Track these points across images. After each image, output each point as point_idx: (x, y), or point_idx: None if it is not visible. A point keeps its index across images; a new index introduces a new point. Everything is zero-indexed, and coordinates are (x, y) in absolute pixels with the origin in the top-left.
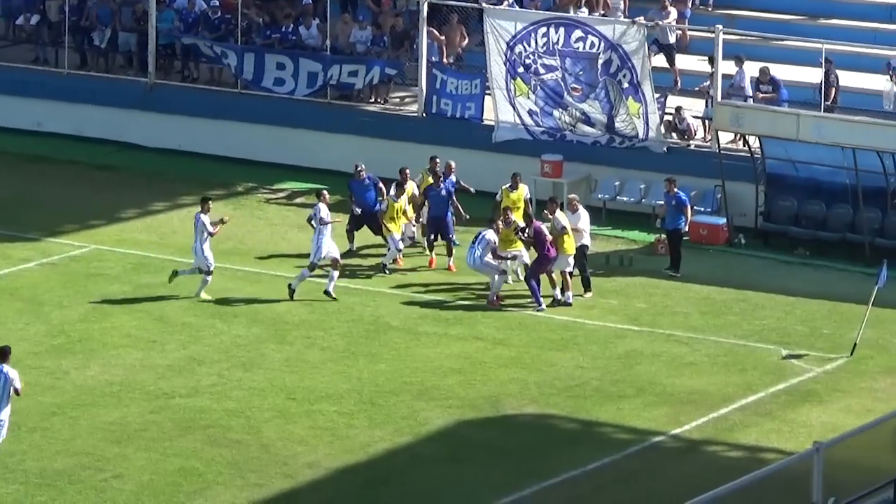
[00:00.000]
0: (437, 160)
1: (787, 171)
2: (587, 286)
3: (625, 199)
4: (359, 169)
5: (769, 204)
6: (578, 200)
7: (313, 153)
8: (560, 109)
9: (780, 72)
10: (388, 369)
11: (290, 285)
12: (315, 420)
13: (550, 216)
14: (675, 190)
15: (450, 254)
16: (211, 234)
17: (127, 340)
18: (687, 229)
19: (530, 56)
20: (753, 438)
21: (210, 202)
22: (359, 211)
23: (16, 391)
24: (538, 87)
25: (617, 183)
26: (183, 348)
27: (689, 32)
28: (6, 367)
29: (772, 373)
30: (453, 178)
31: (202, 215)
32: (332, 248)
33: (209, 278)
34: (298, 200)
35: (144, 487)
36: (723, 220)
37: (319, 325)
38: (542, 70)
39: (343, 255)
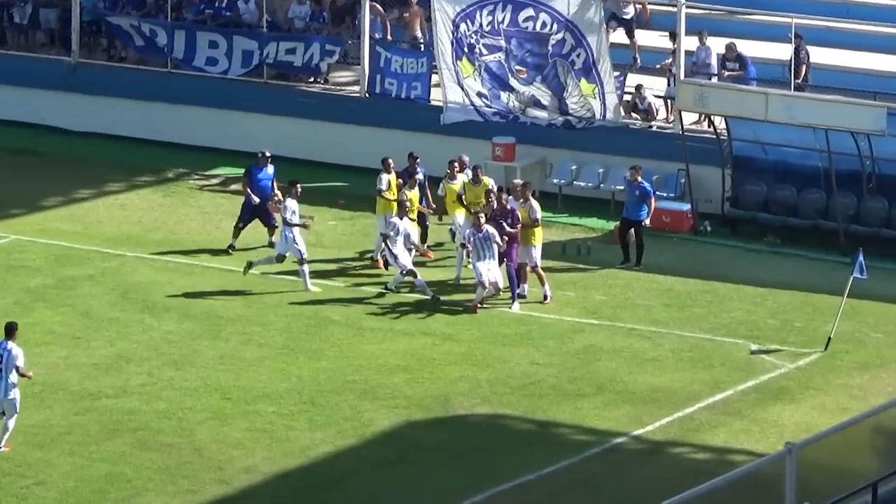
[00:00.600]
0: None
1: (756, 154)
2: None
3: (582, 184)
4: (266, 155)
5: (736, 189)
6: (530, 187)
7: (249, 136)
8: (507, 92)
9: (748, 48)
10: (330, 367)
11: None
12: (252, 421)
13: (524, 202)
14: (640, 179)
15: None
16: (296, 225)
17: (50, 337)
18: (648, 222)
19: (472, 36)
20: (721, 439)
21: (299, 186)
22: (257, 201)
23: (17, 370)
24: (482, 69)
25: (573, 167)
26: (110, 345)
27: (649, 6)
28: (11, 344)
29: (741, 369)
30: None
31: (291, 200)
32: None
33: (306, 268)
34: (233, 187)
35: (69, 495)
36: (687, 207)
37: (256, 319)
38: (484, 51)
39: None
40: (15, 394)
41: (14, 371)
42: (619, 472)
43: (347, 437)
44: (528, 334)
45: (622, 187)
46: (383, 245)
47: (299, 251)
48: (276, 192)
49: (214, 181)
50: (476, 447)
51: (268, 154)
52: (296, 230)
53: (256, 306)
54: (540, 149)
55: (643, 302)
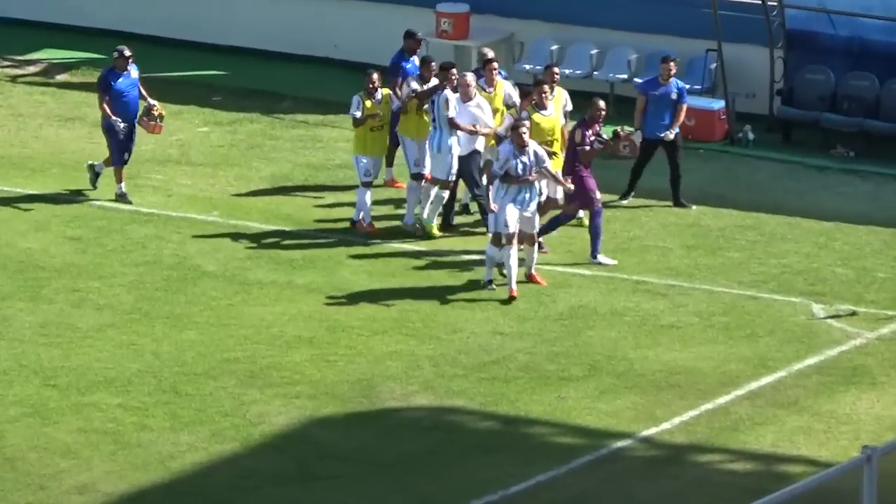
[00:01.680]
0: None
1: (819, 28)
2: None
3: (567, 71)
4: (124, 54)
5: (792, 78)
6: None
7: (81, 9)
8: None
9: None
10: (201, 339)
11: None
12: (88, 419)
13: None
14: (673, 77)
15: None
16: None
17: None
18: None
19: None
20: (770, 442)
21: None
22: (122, 125)
23: None
24: None
25: (554, 47)
26: None
27: None
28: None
29: (798, 341)
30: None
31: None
32: None
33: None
34: (61, 78)
35: None
36: (720, 104)
37: (94, 270)
38: None
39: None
40: None
41: None
42: (621, 491)
43: (226, 442)
44: (489, 291)
45: (625, 76)
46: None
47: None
48: (148, 99)
49: (32, 69)
50: (413, 455)
51: (127, 53)
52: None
53: (94, 251)
54: (505, 21)
55: (656, 242)
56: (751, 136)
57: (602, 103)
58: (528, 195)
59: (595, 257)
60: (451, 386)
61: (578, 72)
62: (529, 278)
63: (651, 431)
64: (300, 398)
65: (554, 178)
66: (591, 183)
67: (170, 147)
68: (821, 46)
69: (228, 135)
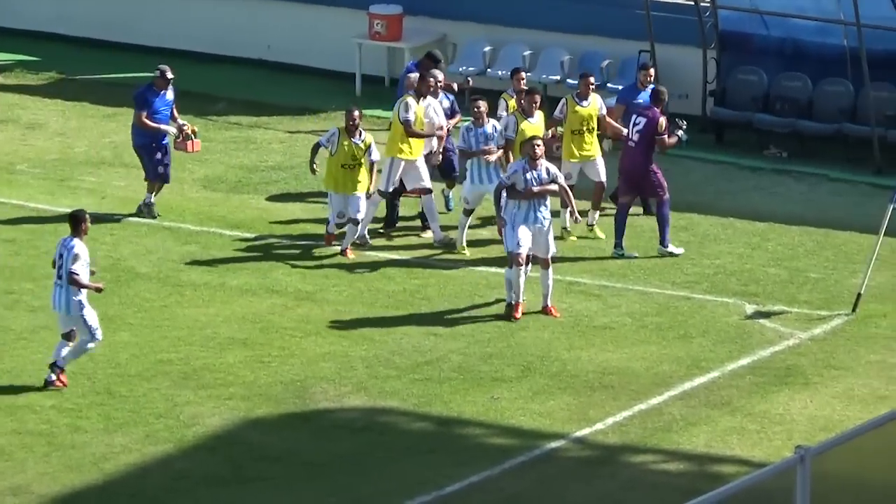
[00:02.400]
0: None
1: (752, 29)
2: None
3: (500, 72)
4: (168, 77)
5: (725, 80)
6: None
7: (13, 10)
8: None
9: None
10: (135, 341)
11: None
12: (22, 421)
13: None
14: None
15: None
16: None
17: None
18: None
19: None
20: (703, 443)
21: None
22: (174, 130)
23: (71, 277)
24: None
25: (487, 48)
26: None
27: None
28: (75, 242)
29: (731, 341)
30: None
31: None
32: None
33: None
34: None
35: None
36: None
37: (27, 272)
38: None
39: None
40: (84, 309)
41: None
42: (555, 492)
43: (160, 443)
44: (421, 291)
45: (557, 77)
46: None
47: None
48: (177, 119)
49: None
50: (346, 456)
51: (169, 75)
52: None
53: (26, 252)
54: (438, 22)
55: (589, 243)
56: (684, 137)
57: (664, 89)
58: (540, 214)
59: (665, 246)
60: (385, 387)
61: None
62: (545, 310)
63: (584, 432)
64: (234, 399)
65: (566, 194)
66: (661, 175)
67: (103, 149)
68: (753, 47)
69: None
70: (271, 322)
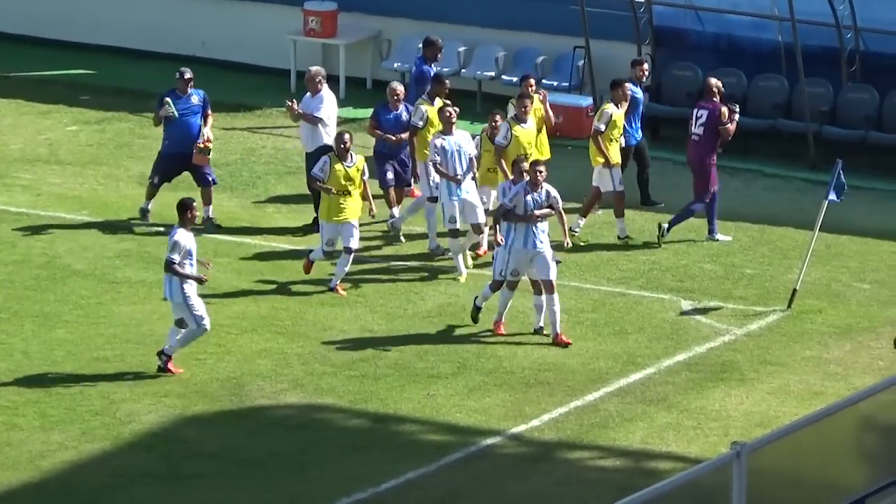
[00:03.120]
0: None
1: (687, 25)
2: None
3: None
4: (185, 77)
5: (659, 75)
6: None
7: None
8: None
9: None
10: (70, 338)
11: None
12: None
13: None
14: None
15: None
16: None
17: None
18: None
19: None
20: (639, 439)
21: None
22: (207, 133)
23: (169, 265)
24: None
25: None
26: None
27: None
28: (178, 231)
29: (666, 337)
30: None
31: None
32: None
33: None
34: None
35: None
36: (588, 101)
37: None
38: None
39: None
40: (187, 298)
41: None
42: (491, 489)
43: (96, 440)
44: (357, 288)
45: (492, 74)
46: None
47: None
48: (204, 129)
49: None
50: (283, 453)
51: (187, 76)
52: None
53: None
54: (373, 18)
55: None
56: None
57: (714, 80)
58: (538, 239)
59: (713, 234)
60: (321, 384)
61: (446, 69)
62: (555, 340)
63: (521, 428)
64: (169, 397)
65: (561, 219)
66: (716, 173)
67: (39, 146)
68: (688, 43)
69: (97, 134)
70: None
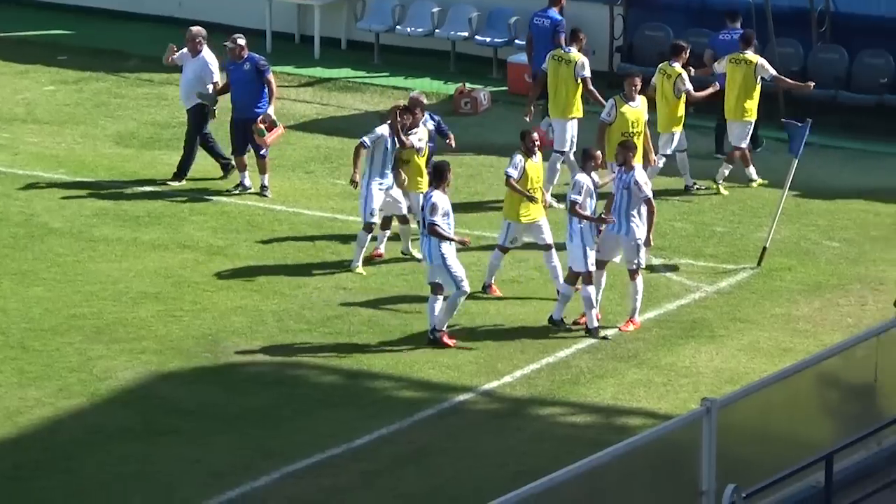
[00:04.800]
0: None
1: None
2: None
3: (409, 29)
4: (238, 42)
5: (631, 35)
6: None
7: None
8: None
9: None
10: (48, 296)
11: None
12: None
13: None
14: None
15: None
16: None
17: None
18: None
19: None
20: (610, 395)
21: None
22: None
23: (430, 227)
24: None
25: (397, 5)
26: None
27: None
28: (435, 194)
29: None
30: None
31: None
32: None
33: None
34: None
35: None
36: None
37: None
38: None
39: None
40: (446, 259)
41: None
42: (463, 444)
43: (73, 397)
44: (331, 246)
45: (465, 34)
46: None
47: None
48: (270, 110)
49: None
50: (257, 410)
51: (241, 41)
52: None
53: None
54: None
55: (497, 196)
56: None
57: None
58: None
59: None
60: (295, 341)
61: (420, 30)
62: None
63: (493, 385)
64: (146, 353)
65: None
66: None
67: (16, 105)
68: (659, 4)
69: (74, 93)
70: (183, 277)
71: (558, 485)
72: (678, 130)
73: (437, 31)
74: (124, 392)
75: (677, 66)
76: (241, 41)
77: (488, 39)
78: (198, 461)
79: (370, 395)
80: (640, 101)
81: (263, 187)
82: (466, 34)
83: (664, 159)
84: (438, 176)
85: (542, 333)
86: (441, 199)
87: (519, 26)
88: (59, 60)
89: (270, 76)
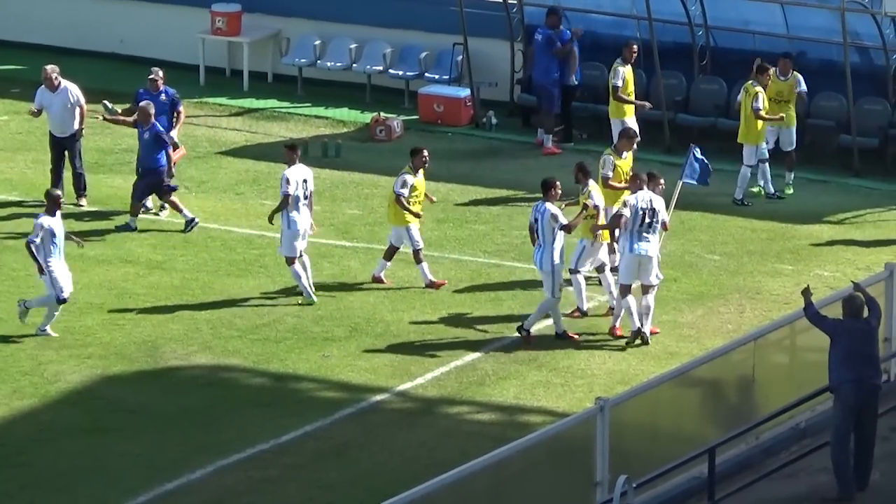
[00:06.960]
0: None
1: None
2: None
3: (329, 64)
4: (156, 76)
5: (531, 69)
6: None
7: None
8: None
9: None
10: (2, 307)
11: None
12: None
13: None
14: None
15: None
16: None
17: None
18: None
19: None
20: (512, 395)
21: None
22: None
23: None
24: None
25: (317, 42)
26: None
27: None
28: (548, 206)
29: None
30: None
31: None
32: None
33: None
34: None
35: None
36: (466, 93)
37: None
38: None
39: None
40: (556, 266)
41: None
42: (380, 440)
43: (25, 398)
44: (259, 260)
45: (380, 68)
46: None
47: None
48: (175, 130)
49: None
50: (193, 409)
51: (160, 73)
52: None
53: None
54: (273, 19)
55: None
56: (494, 120)
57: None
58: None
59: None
60: (228, 346)
61: (339, 64)
62: (647, 333)
63: (406, 386)
64: (92, 358)
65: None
66: None
67: None
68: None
69: (26, 123)
70: (125, 289)
71: (466, 476)
72: (758, 144)
73: (354, 65)
74: (72, 393)
75: (757, 87)
76: (160, 74)
77: (401, 73)
78: (139, 456)
79: (295, 395)
80: (628, 156)
81: (163, 207)
82: (381, 68)
83: (750, 169)
84: (547, 189)
85: (451, 340)
86: (555, 209)
87: (428, 61)
88: (12, 93)
89: (181, 107)
